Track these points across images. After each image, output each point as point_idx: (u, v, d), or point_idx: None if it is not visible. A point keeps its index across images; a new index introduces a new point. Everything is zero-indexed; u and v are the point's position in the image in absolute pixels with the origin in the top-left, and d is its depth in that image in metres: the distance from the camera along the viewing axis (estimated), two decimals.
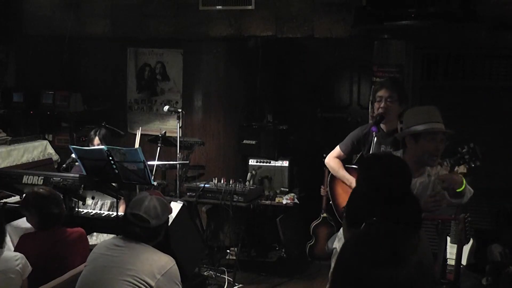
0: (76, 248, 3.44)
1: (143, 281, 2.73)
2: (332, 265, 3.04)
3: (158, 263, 2.83)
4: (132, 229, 2.93)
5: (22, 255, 3.12)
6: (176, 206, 4.15)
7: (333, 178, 4.18)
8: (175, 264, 2.89)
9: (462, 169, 3.63)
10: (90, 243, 4.52)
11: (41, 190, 3.49)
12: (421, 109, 3.28)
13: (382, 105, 3.82)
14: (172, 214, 4.48)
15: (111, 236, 4.44)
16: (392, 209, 1.97)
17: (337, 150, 4.11)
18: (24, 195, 3.63)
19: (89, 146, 4.87)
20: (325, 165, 4.28)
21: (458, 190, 3.05)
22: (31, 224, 3.48)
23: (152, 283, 2.74)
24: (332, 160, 4.09)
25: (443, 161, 3.40)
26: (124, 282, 2.73)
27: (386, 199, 2.01)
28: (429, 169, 3.17)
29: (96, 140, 4.89)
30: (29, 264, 3.12)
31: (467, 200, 3.21)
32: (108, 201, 4.82)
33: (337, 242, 3.16)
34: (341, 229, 3.12)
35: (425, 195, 3.12)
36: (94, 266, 2.90)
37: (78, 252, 3.43)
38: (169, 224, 4.17)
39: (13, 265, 3.05)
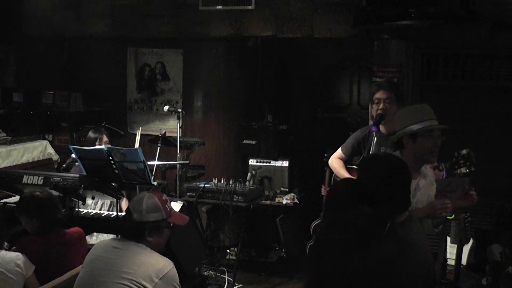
0: (76, 249, 3.42)
1: (141, 284, 2.69)
2: None
3: (156, 266, 2.78)
4: (121, 224, 2.96)
5: (22, 254, 3.09)
6: (176, 206, 4.15)
7: (337, 179, 4.21)
8: (174, 267, 2.84)
9: (463, 169, 3.64)
10: (90, 243, 4.51)
11: (39, 194, 3.43)
12: (413, 108, 3.28)
13: (380, 106, 3.83)
14: None
15: (111, 236, 4.45)
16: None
17: (339, 152, 4.15)
18: (20, 198, 3.60)
19: (95, 145, 4.84)
20: (325, 165, 4.31)
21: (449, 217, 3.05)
22: (28, 229, 3.44)
23: (150, 287, 2.70)
24: (334, 160, 4.16)
25: (439, 165, 3.40)
26: (121, 285, 2.69)
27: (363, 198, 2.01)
28: (424, 169, 3.17)
29: (105, 137, 4.88)
30: (30, 262, 3.10)
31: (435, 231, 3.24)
32: (108, 201, 4.82)
33: None
34: None
35: (426, 195, 3.12)
36: (91, 269, 2.86)
37: (77, 252, 3.41)
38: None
39: (12, 266, 3.03)
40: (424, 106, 3.17)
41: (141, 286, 2.69)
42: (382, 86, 3.94)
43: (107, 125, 5.23)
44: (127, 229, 2.90)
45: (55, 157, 6.14)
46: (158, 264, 2.79)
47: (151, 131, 6.32)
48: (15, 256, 3.07)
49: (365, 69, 6.09)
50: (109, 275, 2.75)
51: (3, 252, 3.08)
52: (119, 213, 4.30)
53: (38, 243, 3.32)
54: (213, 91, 6.44)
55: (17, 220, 3.52)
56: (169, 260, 2.85)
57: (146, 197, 2.97)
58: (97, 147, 4.71)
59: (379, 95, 3.87)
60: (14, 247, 3.32)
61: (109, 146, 4.46)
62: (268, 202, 5.65)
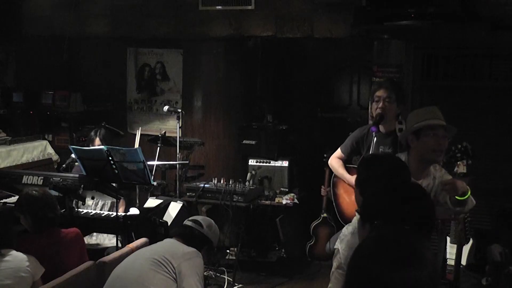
0: (73, 248, 3.43)
1: (167, 259, 2.98)
2: (334, 264, 3.04)
3: (186, 250, 3.11)
4: (185, 231, 3.30)
5: (33, 257, 3.13)
6: (176, 206, 4.16)
7: (336, 179, 4.20)
8: (201, 259, 3.15)
9: (462, 168, 3.64)
10: (90, 243, 4.53)
11: (34, 192, 3.47)
12: (421, 109, 3.30)
13: (380, 105, 3.82)
14: (172, 214, 4.50)
15: (111, 236, 4.46)
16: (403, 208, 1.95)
17: (338, 151, 4.15)
18: (18, 197, 3.62)
19: (89, 147, 4.87)
20: (325, 165, 4.31)
21: (459, 198, 3.01)
22: (25, 226, 3.46)
23: (174, 264, 2.97)
24: (333, 160, 4.15)
25: None
26: (150, 259, 3.00)
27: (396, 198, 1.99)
28: (433, 171, 3.16)
29: (97, 140, 4.89)
30: (40, 265, 3.12)
31: (468, 210, 3.20)
32: (108, 202, 4.82)
33: (339, 243, 3.14)
34: (343, 230, 3.12)
35: (432, 195, 3.12)
36: (135, 253, 3.24)
37: (74, 252, 3.43)
38: (169, 224, 4.20)
39: (23, 265, 3.06)
40: (433, 107, 3.18)
41: (167, 261, 2.99)
42: (383, 85, 3.92)
43: (107, 125, 5.23)
44: (192, 236, 3.28)
45: (55, 157, 6.14)
46: (189, 250, 3.14)
47: (151, 131, 6.32)
48: (26, 258, 3.09)
49: (365, 69, 6.08)
50: (145, 254, 3.10)
51: (15, 252, 3.10)
52: (119, 214, 4.30)
53: (33, 242, 3.34)
54: (213, 91, 6.44)
55: (16, 219, 3.54)
56: (200, 254, 3.19)
57: (214, 222, 3.49)
58: (96, 147, 4.72)
59: (379, 93, 3.86)
60: None
61: (102, 146, 4.45)
62: (268, 202, 5.65)
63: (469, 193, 3.00)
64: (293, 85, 6.39)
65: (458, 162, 3.38)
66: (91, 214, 4.48)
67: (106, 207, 4.85)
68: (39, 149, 6.04)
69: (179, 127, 5.20)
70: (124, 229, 4.17)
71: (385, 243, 1.42)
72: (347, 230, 3.07)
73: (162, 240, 3.38)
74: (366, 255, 1.41)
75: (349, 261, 1.45)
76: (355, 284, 1.39)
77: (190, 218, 3.42)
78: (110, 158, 4.13)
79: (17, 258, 3.08)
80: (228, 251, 5.85)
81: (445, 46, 5.49)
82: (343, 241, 3.04)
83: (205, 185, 5.42)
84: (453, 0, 4.87)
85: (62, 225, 3.55)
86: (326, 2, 5.81)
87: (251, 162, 5.92)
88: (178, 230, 3.36)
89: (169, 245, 3.18)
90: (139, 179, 4.26)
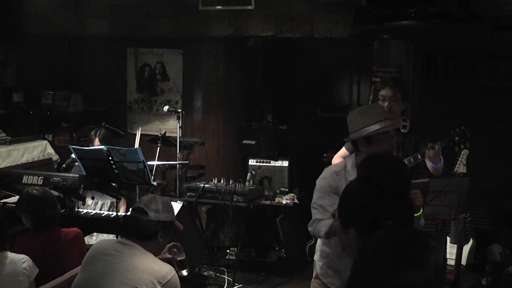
0: (73, 248, 3.42)
1: None
2: (313, 274, 3.10)
3: (159, 272, 2.74)
4: (131, 224, 2.86)
5: (27, 257, 3.09)
6: (176, 206, 4.15)
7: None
8: (176, 274, 2.81)
9: (462, 168, 3.65)
10: (90, 243, 4.52)
11: (34, 191, 3.46)
12: (366, 109, 3.21)
13: (386, 104, 3.78)
14: None
15: (111, 236, 4.46)
16: (386, 207, 1.93)
17: (343, 150, 4.12)
18: (19, 196, 3.62)
19: (89, 147, 4.87)
20: (325, 165, 4.30)
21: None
22: (26, 225, 3.47)
23: None
24: (338, 159, 4.11)
25: (435, 144, 3.40)
26: None
27: (381, 198, 1.98)
28: None
29: (97, 141, 4.89)
30: (35, 265, 3.11)
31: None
32: (108, 202, 4.82)
33: (315, 255, 3.17)
34: (318, 241, 3.15)
35: None
36: (91, 271, 2.81)
37: (74, 252, 3.42)
38: None
39: (20, 268, 3.03)
40: (377, 105, 3.14)
41: None
42: (388, 83, 3.83)
43: (107, 125, 5.23)
44: (140, 228, 2.82)
45: (55, 157, 6.13)
46: (161, 270, 2.76)
47: (151, 131, 6.32)
48: (22, 258, 3.07)
49: (365, 69, 6.09)
50: (111, 280, 2.70)
51: (11, 254, 3.08)
52: (119, 213, 4.30)
53: (33, 242, 3.34)
54: (213, 91, 6.44)
55: (17, 219, 3.54)
56: (171, 267, 2.83)
57: (159, 197, 2.98)
58: (96, 147, 4.72)
59: (384, 92, 3.80)
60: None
61: (102, 146, 4.45)
62: (268, 202, 5.65)
63: (421, 211, 2.97)
64: (293, 85, 6.40)
65: (458, 162, 3.38)
66: (91, 214, 4.48)
67: (106, 207, 4.85)
68: (39, 149, 6.04)
69: (179, 127, 5.20)
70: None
71: (386, 245, 1.42)
72: (320, 241, 3.12)
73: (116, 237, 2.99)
74: (367, 256, 1.41)
75: (352, 263, 1.46)
76: (358, 284, 1.39)
77: (134, 206, 2.92)
78: (110, 158, 4.13)
79: (13, 261, 3.04)
80: (228, 251, 5.85)
81: (445, 46, 5.50)
82: (317, 252, 3.12)
83: (205, 185, 5.42)
84: (453, 0, 4.87)
85: (62, 225, 3.55)
86: (326, 2, 5.80)
87: (251, 162, 5.93)
88: (126, 225, 2.88)
89: (137, 265, 2.73)
90: (139, 179, 4.26)
